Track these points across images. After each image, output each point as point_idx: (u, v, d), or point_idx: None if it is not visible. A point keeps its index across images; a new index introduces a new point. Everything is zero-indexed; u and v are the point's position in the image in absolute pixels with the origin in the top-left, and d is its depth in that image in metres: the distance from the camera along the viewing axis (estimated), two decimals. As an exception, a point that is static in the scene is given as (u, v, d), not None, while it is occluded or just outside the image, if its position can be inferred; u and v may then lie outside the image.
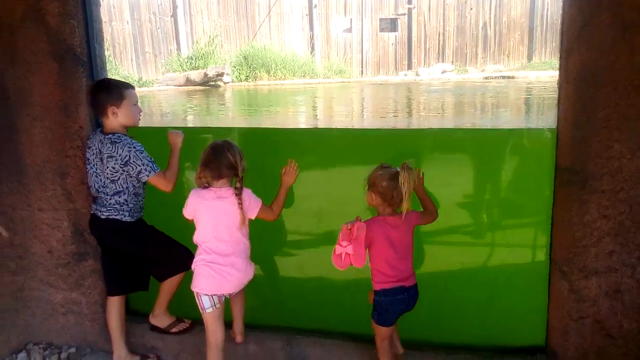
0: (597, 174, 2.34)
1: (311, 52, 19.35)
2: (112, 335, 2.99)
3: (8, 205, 3.13)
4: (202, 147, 2.58)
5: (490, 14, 19.70)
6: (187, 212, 2.59)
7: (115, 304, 2.95)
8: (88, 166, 2.83)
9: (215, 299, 2.56)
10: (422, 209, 2.56)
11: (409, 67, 20.13)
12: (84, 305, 3.22)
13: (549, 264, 2.61)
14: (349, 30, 20.19)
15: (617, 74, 2.24)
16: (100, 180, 2.76)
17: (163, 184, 2.72)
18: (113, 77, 3.03)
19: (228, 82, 16.46)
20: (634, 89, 2.22)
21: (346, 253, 2.33)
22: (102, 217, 2.78)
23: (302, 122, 9.32)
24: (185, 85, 16.16)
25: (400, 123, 8.59)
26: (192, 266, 2.62)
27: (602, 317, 2.46)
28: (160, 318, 3.05)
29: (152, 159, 2.71)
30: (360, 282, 2.73)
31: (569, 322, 2.52)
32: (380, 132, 4.24)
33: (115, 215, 2.77)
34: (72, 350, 3.27)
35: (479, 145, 2.90)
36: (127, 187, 2.74)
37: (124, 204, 2.76)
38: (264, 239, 2.94)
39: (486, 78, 17.07)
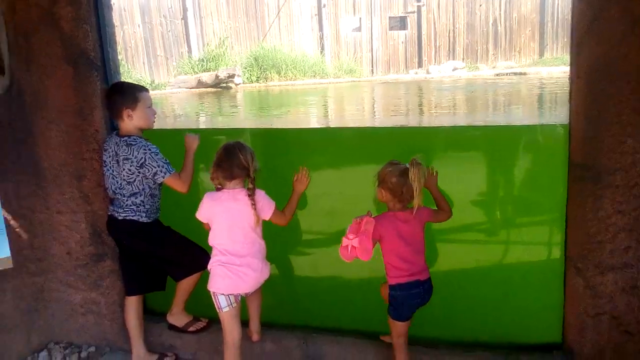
0: (610, 169, 2.33)
1: (321, 52, 19.36)
2: (130, 334, 3.03)
3: (27, 208, 3.18)
4: (215, 148, 2.60)
5: (500, 10, 19.57)
6: (201, 215, 2.61)
7: (133, 303, 3.00)
8: (104, 168, 2.87)
9: (232, 298, 2.59)
10: (435, 207, 2.57)
11: (420, 65, 20.06)
12: (102, 305, 3.26)
13: (564, 261, 2.61)
14: (359, 29, 20.17)
15: (628, 67, 2.23)
16: (117, 182, 2.80)
17: (179, 185, 2.76)
18: (126, 81, 3.07)
19: (239, 84, 16.53)
20: (646, 82, 2.21)
21: (352, 246, 2.35)
22: (120, 218, 2.83)
23: (314, 122, 9.34)
24: (197, 87, 16.26)
25: (412, 121, 8.57)
26: (208, 267, 2.64)
27: (619, 313, 2.45)
28: (177, 317, 3.09)
29: (167, 161, 2.75)
30: (374, 281, 2.75)
31: (585, 318, 2.51)
32: (392, 130, 4.25)
33: (132, 216, 2.81)
34: (92, 349, 3.32)
35: (491, 143, 2.89)
36: (143, 189, 2.78)
37: (140, 205, 2.81)
38: (278, 239, 2.96)
39: (497, 75, 16.94)
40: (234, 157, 2.50)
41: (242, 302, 2.70)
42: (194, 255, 2.89)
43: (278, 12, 19.34)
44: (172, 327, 3.13)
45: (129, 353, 3.07)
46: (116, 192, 2.82)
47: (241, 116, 11.10)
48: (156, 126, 2.93)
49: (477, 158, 2.91)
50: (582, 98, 2.37)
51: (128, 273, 3.01)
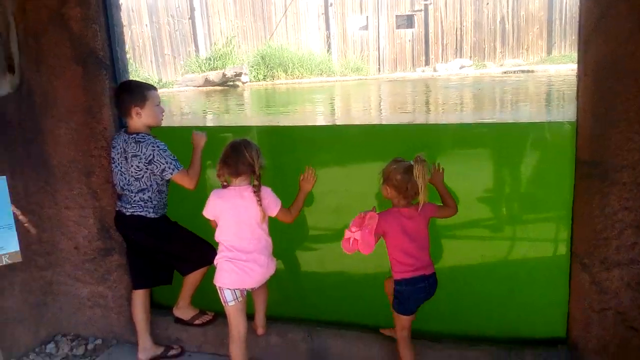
0: (617, 166, 2.33)
1: (328, 51, 19.36)
2: (137, 327, 3.06)
3: (35, 204, 3.22)
4: (222, 145, 2.62)
5: (507, 8, 19.47)
6: (208, 212, 2.63)
7: (140, 297, 3.03)
8: (113, 165, 2.90)
9: (238, 292, 2.61)
10: (440, 203, 2.59)
11: (427, 63, 20.01)
12: (110, 298, 3.30)
13: (570, 257, 2.61)
14: (365, 27, 20.15)
15: (636, 65, 2.23)
16: (125, 179, 2.83)
17: (186, 182, 2.79)
18: (135, 79, 3.10)
19: (246, 82, 16.57)
20: (653, 80, 2.21)
21: (354, 239, 2.40)
22: (127, 213, 2.86)
23: (321, 119, 9.35)
24: (204, 85, 16.31)
25: (419, 119, 8.57)
26: (215, 262, 2.66)
27: (624, 309, 2.45)
28: (184, 310, 3.12)
29: (175, 158, 2.77)
30: (379, 276, 2.76)
31: (590, 314, 2.52)
32: (398, 127, 4.25)
33: (140, 212, 2.84)
34: (99, 341, 3.36)
35: (498, 140, 2.90)
36: (151, 185, 2.81)
37: (148, 201, 2.83)
38: (285, 235, 2.98)
39: (505, 72, 16.87)
40: (240, 154, 2.52)
41: (248, 296, 2.72)
42: (200, 250, 2.91)
43: (285, 11, 19.37)
44: (178, 321, 3.16)
45: (136, 346, 3.11)
46: (124, 188, 2.84)
47: (248, 114, 11.13)
48: (164, 124, 2.95)
49: (484, 155, 2.92)
50: (590, 95, 2.37)
51: (135, 267, 3.05)
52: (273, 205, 2.58)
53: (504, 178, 2.90)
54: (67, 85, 3.04)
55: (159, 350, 3.11)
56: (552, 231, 2.77)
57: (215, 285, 2.63)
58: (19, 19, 3.03)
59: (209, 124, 9.74)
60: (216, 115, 10.88)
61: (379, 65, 20.16)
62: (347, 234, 2.43)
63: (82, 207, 3.19)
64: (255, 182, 2.52)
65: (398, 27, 20.20)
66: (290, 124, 8.11)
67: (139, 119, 2.80)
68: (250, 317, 2.77)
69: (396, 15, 20.10)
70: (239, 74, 16.28)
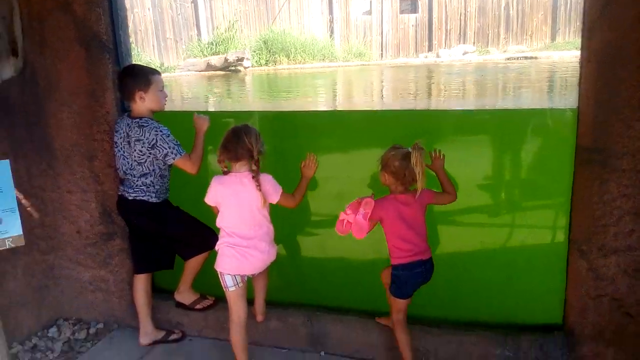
0: (618, 153, 2.34)
1: (330, 36, 19.24)
2: (138, 311, 3.10)
3: (38, 187, 3.24)
4: (223, 130, 2.62)
5: (512, -6, 19.30)
6: (210, 199, 2.64)
7: (141, 281, 3.06)
8: (115, 149, 2.91)
9: (238, 278, 2.63)
10: (439, 189, 2.60)
11: (430, 49, 19.88)
12: (111, 282, 3.33)
13: (568, 243, 2.62)
14: (369, 12, 19.99)
15: (639, 52, 2.22)
16: (128, 163, 2.84)
17: (188, 166, 2.80)
18: (139, 63, 3.10)
19: (248, 67, 16.50)
20: (656, 67, 2.21)
21: (347, 221, 2.48)
22: (130, 198, 2.87)
23: (322, 105, 9.33)
24: (206, 70, 16.25)
25: (421, 105, 8.55)
26: (216, 247, 2.67)
27: (621, 296, 2.47)
28: (185, 295, 3.15)
29: (178, 142, 2.78)
30: (379, 262, 2.78)
31: (587, 300, 2.54)
32: (400, 113, 4.25)
33: (142, 197, 2.86)
34: (100, 325, 3.40)
35: (499, 126, 2.90)
36: (153, 170, 2.83)
37: (150, 185, 2.85)
38: (286, 221, 3.00)
39: (508, 59, 16.77)
40: (239, 139, 2.52)
41: (249, 282, 2.75)
42: (202, 235, 2.93)
43: (288, -5, 19.21)
44: (179, 305, 3.19)
45: (137, 330, 3.15)
46: (127, 172, 2.86)
47: (250, 99, 11.11)
48: (166, 108, 2.95)
49: (485, 142, 2.93)
50: (592, 82, 2.36)
51: (137, 252, 3.07)
52: (273, 192, 2.59)
53: (504, 165, 2.91)
54: (70, 68, 3.05)
55: (160, 335, 3.15)
56: (550, 218, 2.79)
57: (216, 270, 2.65)
58: (23, 2, 3.02)
59: (211, 109, 9.72)
60: (218, 100, 10.86)
61: (382, 50, 20.03)
62: (342, 215, 2.51)
63: (85, 191, 3.21)
64: (254, 167, 2.53)
65: (402, 12, 20.03)
66: (292, 110, 8.10)
67: (143, 103, 2.80)
68: (250, 302, 2.79)
69: (400, 0, 19.92)
70: (241, 59, 16.21)
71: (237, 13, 18.76)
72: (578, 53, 2.52)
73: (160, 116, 2.89)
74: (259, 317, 2.96)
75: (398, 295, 2.59)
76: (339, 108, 9.08)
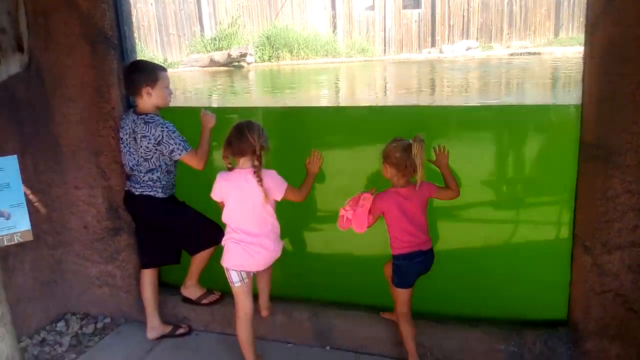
0: (621, 149, 2.35)
1: (333, 31, 19.20)
2: (145, 306, 3.12)
3: (45, 183, 3.26)
4: (227, 126, 2.64)
5: (516, -12, 19.22)
6: (215, 194, 2.66)
7: (148, 276, 3.08)
8: (121, 145, 2.93)
9: (244, 274, 2.64)
10: (442, 184, 2.62)
11: (433, 44, 19.82)
12: (118, 277, 3.36)
13: (572, 239, 2.64)
14: (372, 8, 19.93)
15: (643, 48, 2.23)
16: (134, 159, 2.86)
17: (195, 162, 2.82)
18: (145, 59, 3.12)
19: (251, 63, 16.50)
20: (660, 64, 2.21)
21: (347, 217, 2.53)
22: (136, 193, 2.89)
23: (326, 101, 9.34)
24: (209, 66, 16.25)
25: (424, 101, 8.55)
26: (223, 242, 2.69)
27: (625, 291, 2.48)
28: (191, 290, 3.17)
29: (184, 138, 2.80)
30: (384, 258, 2.79)
31: (591, 296, 2.55)
32: (404, 109, 4.25)
33: (149, 192, 2.88)
34: (108, 320, 3.42)
35: (503, 122, 2.91)
36: (159, 165, 2.84)
37: (156, 181, 2.87)
38: (291, 216, 3.01)
39: (511, 54, 16.73)
40: (242, 134, 2.54)
41: (254, 277, 2.76)
42: (208, 230, 2.95)
43: (290, -10, 19.16)
44: (185, 300, 3.21)
45: (144, 324, 3.17)
46: (133, 168, 2.88)
47: (253, 95, 11.11)
48: (171, 104, 2.97)
49: (488, 137, 2.93)
50: (596, 78, 2.37)
51: (144, 247, 3.10)
52: (276, 188, 2.60)
53: (508, 161, 2.91)
54: (75, 64, 3.06)
55: (167, 329, 3.17)
56: (555, 214, 2.79)
57: (222, 266, 2.67)
58: (28, -2, 3.04)
59: (214, 105, 9.73)
60: (221, 96, 10.87)
61: (385, 46, 19.98)
62: (342, 212, 2.56)
63: (91, 186, 3.23)
64: (256, 163, 2.54)
65: (405, 7, 19.96)
66: (296, 105, 8.11)
67: (149, 98, 2.82)
68: (255, 298, 2.81)
69: (403, -5, 19.87)
70: (244, 55, 16.21)
71: (240, 8, 18.73)
72: (581, 49, 2.52)
73: (165, 112, 2.91)
74: (264, 312, 2.99)
75: (399, 285, 2.62)
76: (342, 104, 9.09)
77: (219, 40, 17.67)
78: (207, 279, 3.17)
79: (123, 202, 3.06)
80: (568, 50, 15.88)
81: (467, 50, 18.19)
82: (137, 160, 2.84)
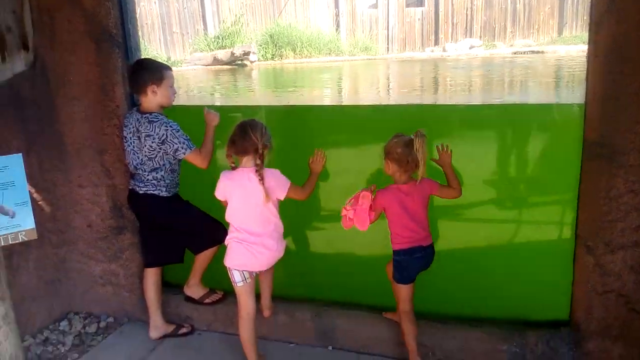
0: (625, 148, 2.34)
1: (336, 30, 19.18)
2: (148, 305, 3.13)
3: (49, 182, 3.27)
4: (230, 125, 2.63)
5: (519, -14, 19.15)
6: (219, 193, 2.66)
7: (152, 275, 3.09)
8: (125, 144, 2.93)
9: (246, 274, 2.64)
10: (444, 183, 2.62)
11: (436, 43, 19.78)
12: (121, 276, 3.37)
13: (575, 239, 2.63)
14: (375, 6, 19.90)
15: (647, 48, 2.22)
16: (138, 158, 2.86)
17: (199, 161, 2.83)
18: (149, 58, 3.12)
19: (254, 61, 16.49)
20: (664, 63, 2.21)
21: (349, 217, 2.56)
22: (141, 192, 2.90)
23: (329, 99, 9.34)
24: (212, 64, 16.26)
25: (427, 99, 8.54)
26: (226, 241, 2.69)
27: (627, 292, 2.48)
28: (194, 289, 3.18)
29: (188, 137, 2.80)
30: (386, 258, 2.79)
31: (593, 296, 2.55)
32: (407, 108, 4.25)
33: (153, 191, 2.89)
34: (111, 319, 3.43)
35: (506, 121, 2.91)
36: (163, 164, 2.85)
37: (161, 180, 2.88)
38: (294, 215, 3.01)
39: (515, 53, 16.69)
40: (245, 133, 2.53)
41: (256, 277, 2.77)
42: (212, 229, 2.96)
43: (294, -11, 19.15)
44: (188, 299, 3.22)
45: (147, 323, 3.18)
46: (137, 167, 2.89)
47: (257, 93, 11.11)
48: (174, 103, 2.97)
49: (492, 136, 2.93)
50: (600, 77, 2.36)
51: (148, 245, 3.10)
52: (278, 187, 2.59)
53: (511, 160, 2.91)
54: (80, 62, 3.07)
55: (170, 329, 3.17)
56: (557, 213, 2.79)
57: (224, 265, 2.68)
58: (34, -4, 3.05)
59: (217, 103, 9.74)
60: (224, 95, 10.87)
61: (388, 44, 19.94)
62: (343, 211, 2.58)
63: (95, 185, 3.24)
64: (258, 161, 2.54)
65: (408, 5, 19.91)
66: (299, 104, 8.11)
67: (154, 97, 2.82)
68: (257, 297, 2.81)
69: (406, -6, 19.83)
70: (248, 53, 16.21)
71: (244, 7, 18.73)
72: (584, 47, 2.52)
73: (169, 110, 2.92)
74: (266, 313, 2.99)
75: (400, 280, 2.64)
76: (346, 102, 9.09)
77: (222, 38, 17.67)
78: (210, 279, 3.17)
79: (127, 201, 3.07)
80: (572, 48, 15.82)
81: (470, 48, 18.15)
82: (141, 159, 2.85)
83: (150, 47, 17.01)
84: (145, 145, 2.80)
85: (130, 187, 2.98)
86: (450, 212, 2.94)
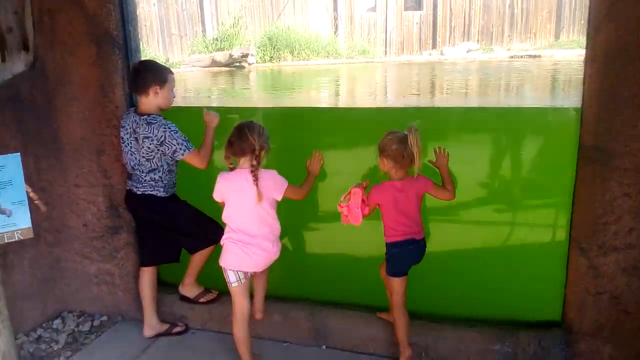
0: (620, 152, 2.36)
1: (335, 33, 19.20)
2: (143, 304, 3.13)
3: (46, 181, 3.28)
4: (228, 126, 2.66)
5: (517, -9, 19.21)
6: (217, 195, 2.67)
7: (147, 274, 3.10)
8: (122, 145, 2.94)
9: (241, 274, 2.65)
10: (440, 183, 2.64)
11: (434, 46, 19.80)
12: (116, 276, 3.37)
13: (569, 241, 2.65)
14: (373, 9, 19.92)
15: (645, 52, 2.24)
16: (136, 159, 2.87)
17: (197, 162, 2.84)
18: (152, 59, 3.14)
19: (253, 63, 16.49)
20: (660, 68, 2.22)
21: (344, 214, 2.59)
22: (138, 192, 2.91)
23: (327, 102, 9.35)
24: (210, 66, 16.24)
25: (424, 102, 8.56)
26: (222, 242, 2.70)
27: (619, 293, 2.50)
28: (189, 288, 3.19)
29: (187, 138, 2.81)
30: (381, 258, 2.80)
31: (586, 297, 2.57)
32: (404, 110, 4.27)
33: (151, 191, 2.90)
34: (105, 318, 3.44)
35: (502, 124, 2.92)
36: (161, 165, 2.86)
37: (158, 180, 2.89)
38: (289, 215, 3.02)
39: (512, 57, 16.73)
40: (243, 134, 2.55)
41: (251, 278, 2.77)
42: (208, 229, 2.97)
43: (292, -9, 19.17)
44: (183, 298, 3.23)
45: (141, 322, 3.18)
46: (135, 168, 2.89)
47: (255, 95, 11.12)
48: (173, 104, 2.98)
49: (488, 139, 2.95)
50: (597, 81, 2.38)
51: (144, 245, 3.12)
52: (275, 188, 2.61)
53: (507, 162, 2.93)
54: (80, 63, 3.09)
55: (164, 327, 3.18)
56: (552, 216, 2.82)
57: (220, 265, 2.68)
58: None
59: (215, 104, 9.74)
60: (223, 97, 10.88)
61: (386, 47, 19.97)
62: (339, 209, 2.61)
63: (92, 185, 3.25)
64: (254, 162, 2.55)
65: (406, 9, 19.93)
66: (297, 106, 8.11)
67: (155, 98, 2.83)
68: (250, 299, 2.82)
69: (405, -3, 19.86)
70: (246, 55, 16.20)
71: (242, 9, 18.75)
72: (581, 52, 2.54)
73: (167, 112, 2.93)
74: (258, 315, 2.98)
75: (393, 273, 2.66)
76: (343, 105, 9.10)
77: (221, 40, 17.66)
78: (205, 278, 3.18)
79: (124, 201, 3.07)
80: (568, 53, 15.86)
81: (467, 52, 18.18)
82: (139, 160, 2.86)
83: (149, 49, 17.00)
84: (143, 147, 2.81)
85: (128, 188, 2.99)
86: (445, 214, 2.96)
